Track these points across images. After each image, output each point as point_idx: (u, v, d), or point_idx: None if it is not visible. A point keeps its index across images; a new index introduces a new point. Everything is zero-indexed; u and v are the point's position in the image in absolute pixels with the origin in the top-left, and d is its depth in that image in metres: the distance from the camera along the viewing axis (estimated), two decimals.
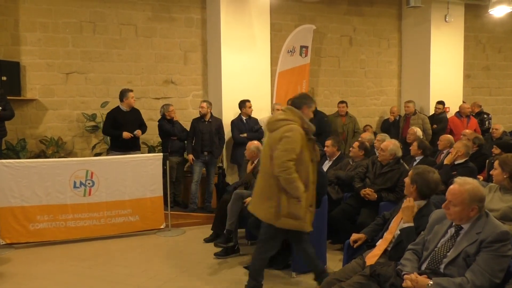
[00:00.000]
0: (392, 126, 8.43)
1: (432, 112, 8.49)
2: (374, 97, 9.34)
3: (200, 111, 6.69)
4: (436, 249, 2.53)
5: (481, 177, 5.13)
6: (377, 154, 5.33)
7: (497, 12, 7.71)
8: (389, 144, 4.84)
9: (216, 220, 5.41)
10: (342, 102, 8.13)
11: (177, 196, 6.86)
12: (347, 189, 5.20)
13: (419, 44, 8.98)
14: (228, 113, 7.25)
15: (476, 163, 5.19)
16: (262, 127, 7.08)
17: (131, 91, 6.35)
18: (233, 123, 7.01)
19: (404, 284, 2.41)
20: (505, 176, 3.50)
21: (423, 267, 2.53)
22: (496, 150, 5.39)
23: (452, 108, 8.55)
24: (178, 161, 6.77)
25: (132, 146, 6.29)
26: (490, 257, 2.30)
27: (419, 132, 6.66)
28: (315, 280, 3.72)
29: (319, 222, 4.20)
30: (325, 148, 5.65)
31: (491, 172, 3.76)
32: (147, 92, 7.68)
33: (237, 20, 7.34)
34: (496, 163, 3.60)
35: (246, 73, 7.40)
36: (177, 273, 4.44)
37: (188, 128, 6.85)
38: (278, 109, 7.19)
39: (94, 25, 7.36)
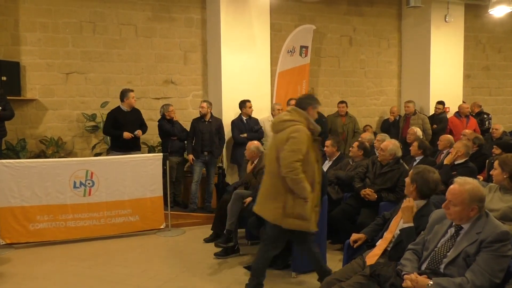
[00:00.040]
0: (392, 126, 8.43)
1: (432, 112, 8.50)
2: (374, 97, 9.34)
3: (200, 111, 6.69)
4: (436, 249, 2.53)
5: (481, 177, 5.13)
6: (377, 154, 5.33)
7: (497, 12, 7.71)
8: (389, 144, 4.85)
9: (216, 220, 5.41)
10: (342, 102, 8.13)
11: (177, 196, 6.86)
12: (347, 189, 5.20)
13: (419, 44, 8.98)
14: (228, 113, 7.24)
15: (476, 163, 5.19)
16: (262, 127, 7.09)
17: (132, 91, 6.35)
18: (233, 123, 7.01)
19: (404, 284, 2.41)
20: (505, 176, 3.50)
21: (423, 267, 2.53)
22: (496, 150, 5.39)
23: (452, 108, 8.55)
24: (178, 161, 6.77)
25: (132, 146, 6.29)
26: (490, 257, 2.30)
27: (419, 132, 6.66)
28: (319, 281, 3.72)
29: (319, 222, 4.19)
30: (325, 148, 5.66)
31: (491, 172, 3.76)
32: (147, 92, 7.68)
33: (237, 20, 7.34)
34: (496, 163, 3.60)
35: (246, 73, 7.40)
36: (177, 273, 4.44)
37: (188, 128, 6.85)
38: (278, 109, 7.20)
39: (94, 25, 7.36)
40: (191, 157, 6.63)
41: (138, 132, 6.27)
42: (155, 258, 4.95)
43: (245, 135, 6.81)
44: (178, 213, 6.40)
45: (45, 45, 7.13)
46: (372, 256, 2.90)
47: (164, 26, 7.73)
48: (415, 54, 9.11)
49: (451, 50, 8.92)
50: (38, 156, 6.92)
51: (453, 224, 2.52)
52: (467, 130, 6.88)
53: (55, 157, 6.60)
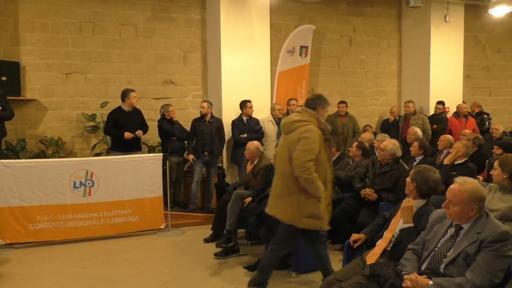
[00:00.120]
0: (392, 126, 8.43)
1: (432, 112, 8.50)
2: (374, 97, 9.34)
3: (200, 111, 6.69)
4: (436, 249, 2.53)
5: (481, 177, 5.13)
6: (377, 154, 5.33)
7: (497, 12, 7.71)
8: (388, 144, 4.85)
9: (216, 220, 5.41)
10: (342, 102, 8.13)
11: (177, 196, 6.86)
12: (347, 189, 5.20)
13: (419, 44, 8.99)
14: (228, 113, 7.24)
15: (476, 163, 5.19)
16: (262, 128, 7.09)
17: (133, 91, 6.35)
18: (233, 123, 7.01)
19: (404, 284, 2.41)
20: (505, 176, 3.50)
21: (423, 267, 2.53)
22: (497, 151, 5.38)
23: (452, 108, 8.55)
24: (178, 161, 6.77)
25: (133, 146, 6.29)
26: (490, 257, 2.30)
27: (419, 132, 6.66)
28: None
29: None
30: None
31: (491, 172, 3.76)
32: (146, 92, 7.68)
33: (237, 20, 7.34)
34: (496, 163, 3.60)
35: (246, 73, 7.40)
36: (177, 273, 4.44)
37: (187, 128, 6.85)
38: (278, 109, 7.20)
39: (93, 25, 7.36)
40: (191, 157, 6.63)
41: (139, 132, 6.27)
42: (155, 258, 4.94)
43: (245, 135, 6.81)
44: (178, 213, 6.40)
45: (44, 45, 7.13)
46: (372, 256, 2.91)
47: (164, 26, 7.73)
48: (415, 54, 9.11)
49: (451, 50, 8.92)
50: (38, 156, 6.92)
51: (453, 224, 2.52)
52: (467, 130, 6.88)
53: (55, 157, 6.60)
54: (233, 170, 7.33)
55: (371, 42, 9.18)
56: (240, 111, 7.05)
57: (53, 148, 6.90)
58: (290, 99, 7.26)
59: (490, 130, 7.78)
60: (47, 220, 5.38)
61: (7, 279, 4.32)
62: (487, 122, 8.78)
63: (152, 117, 7.36)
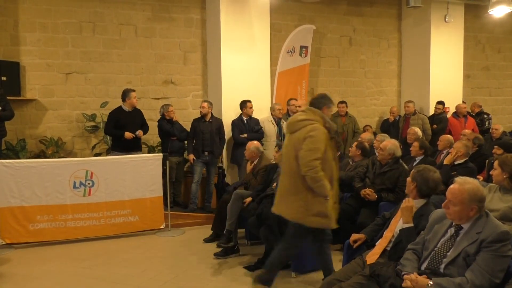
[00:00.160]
0: (392, 126, 8.43)
1: (432, 112, 8.50)
2: (374, 97, 9.34)
3: (201, 111, 6.69)
4: (436, 249, 2.53)
5: (480, 177, 5.13)
6: (377, 154, 5.34)
7: (497, 12, 7.71)
8: (388, 144, 4.86)
9: (216, 220, 5.41)
10: (342, 102, 8.13)
11: (177, 196, 6.86)
12: (347, 189, 5.20)
13: (419, 44, 8.99)
14: (228, 113, 7.24)
15: (476, 163, 5.19)
16: (262, 128, 7.09)
17: (134, 91, 6.36)
18: (233, 123, 7.01)
19: (403, 284, 2.41)
20: (505, 176, 3.50)
21: (423, 267, 2.53)
22: (498, 151, 5.37)
23: (452, 108, 8.55)
24: (178, 161, 6.77)
25: (133, 146, 6.29)
26: (490, 257, 2.30)
27: (419, 132, 6.66)
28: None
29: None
30: None
31: (490, 172, 3.76)
32: (146, 92, 7.68)
33: (237, 20, 7.34)
34: (496, 163, 3.60)
35: (246, 73, 7.40)
36: (177, 273, 4.44)
37: (187, 128, 6.85)
38: (278, 109, 7.20)
39: (93, 25, 7.36)
40: (191, 157, 6.63)
41: (139, 132, 6.27)
42: (155, 258, 4.94)
43: (245, 135, 6.80)
44: (178, 213, 6.40)
45: (44, 45, 7.13)
46: (372, 255, 2.91)
47: (164, 26, 7.73)
48: (415, 54, 9.11)
49: (451, 50, 8.92)
50: (38, 156, 6.92)
51: (453, 224, 2.52)
52: (467, 130, 6.88)
53: (55, 157, 6.60)
54: (233, 170, 7.33)
55: (371, 42, 9.18)
56: (240, 111, 7.05)
57: (53, 148, 6.90)
58: (290, 99, 7.27)
59: (490, 130, 7.78)
60: (47, 220, 5.38)
61: (7, 279, 4.32)
62: (487, 122, 8.78)
63: (152, 117, 7.36)
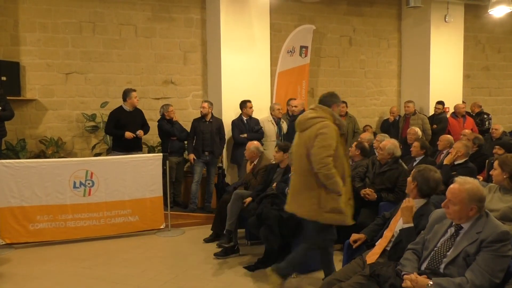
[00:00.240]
0: (391, 126, 8.43)
1: (431, 112, 8.50)
2: (374, 97, 9.34)
3: (201, 111, 6.70)
4: (436, 248, 2.53)
5: (480, 177, 5.13)
6: (377, 154, 5.34)
7: (497, 12, 7.71)
8: (387, 143, 4.86)
9: (216, 220, 5.41)
10: (342, 102, 8.11)
11: (177, 196, 6.86)
12: None
13: (419, 44, 8.99)
14: (228, 113, 7.25)
15: (476, 163, 5.20)
16: (262, 128, 7.09)
17: (134, 90, 6.36)
18: (233, 123, 7.01)
19: (403, 284, 2.41)
20: (505, 177, 3.50)
21: (423, 266, 2.54)
22: (499, 151, 5.37)
23: (451, 108, 8.56)
24: (178, 161, 6.77)
25: (134, 146, 6.28)
26: (490, 257, 2.30)
27: (419, 132, 6.67)
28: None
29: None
30: None
31: (490, 172, 3.76)
32: (146, 92, 7.68)
33: (237, 20, 7.34)
34: (495, 163, 3.60)
35: (246, 73, 7.40)
36: (177, 273, 4.44)
37: (187, 128, 6.85)
38: (278, 109, 7.21)
39: (93, 25, 7.36)
40: (192, 156, 6.63)
41: (140, 132, 6.27)
42: (155, 258, 4.94)
43: (245, 135, 6.81)
44: (178, 213, 6.40)
45: (44, 45, 7.13)
46: (372, 255, 2.91)
47: (164, 26, 7.73)
48: (415, 54, 9.11)
49: (450, 50, 8.93)
50: (38, 156, 6.91)
51: (453, 223, 2.52)
52: (467, 130, 6.89)
53: (55, 157, 6.60)
54: (233, 170, 7.33)
55: (371, 42, 9.18)
56: (240, 111, 7.05)
57: (53, 148, 6.90)
58: (290, 99, 7.27)
59: (490, 130, 7.79)
60: (47, 220, 5.38)
61: (7, 279, 4.32)
62: (487, 122, 8.78)
63: (152, 117, 7.36)
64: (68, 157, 7.00)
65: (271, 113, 7.28)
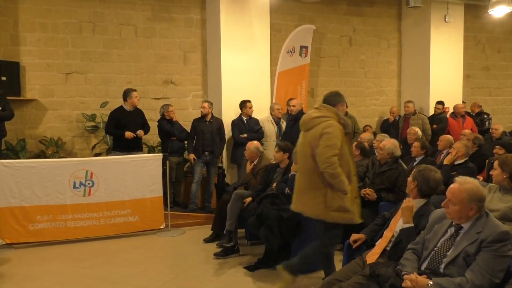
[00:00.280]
0: (391, 126, 8.43)
1: (431, 112, 8.50)
2: (374, 97, 9.34)
3: (201, 111, 6.70)
4: (436, 248, 2.53)
5: (480, 177, 5.13)
6: (377, 154, 5.34)
7: (497, 12, 7.71)
8: (387, 143, 4.86)
9: (216, 220, 5.41)
10: None
11: (177, 196, 6.86)
12: None
13: (418, 44, 8.99)
14: (228, 113, 7.25)
15: (476, 163, 5.19)
16: (262, 128, 7.09)
17: (135, 90, 6.36)
18: (233, 123, 7.01)
19: (403, 284, 2.41)
20: (505, 177, 3.50)
21: (423, 266, 2.53)
22: (500, 150, 5.37)
23: (452, 108, 8.56)
24: (178, 161, 6.77)
25: (134, 146, 6.28)
26: (490, 257, 2.30)
27: (419, 132, 6.67)
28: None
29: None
30: None
31: (490, 172, 3.76)
32: (146, 92, 7.68)
33: (237, 20, 7.34)
34: (495, 163, 3.60)
35: (246, 73, 7.40)
36: (177, 273, 4.44)
37: (187, 128, 6.85)
38: (277, 109, 7.21)
39: (93, 25, 7.36)
40: (192, 156, 6.63)
41: (140, 132, 6.27)
42: (155, 258, 4.94)
43: (245, 135, 6.81)
44: (178, 213, 6.40)
45: (44, 45, 7.13)
46: (372, 255, 2.91)
47: (164, 26, 7.73)
48: (415, 54, 9.11)
49: (450, 50, 8.93)
50: (38, 156, 6.91)
51: (453, 223, 2.53)
52: (467, 130, 6.89)
53: (55, 157, 6.60)
54: (233, 170, 7.33)
55: (371, 42, 9.18)
56: (240, 111, 7.05)
57: (53, 148, 6.90)
58: (290, 99, 7.26)
59: (490, 130, 7.79)
60: (47, 220, 5.38)
61: (7, 279, 4.32)
62: (487, 122, 8.78)
63: (152, 117, 7.36)
64: (68, 157, 7.00)
65: (271, 113, 7.29)
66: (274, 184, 4.87)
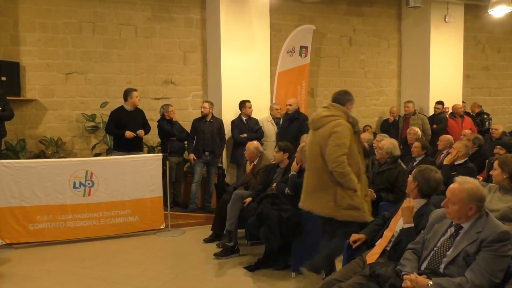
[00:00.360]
0: (391, 127, 8.43)
1: (431, 112, 8.50)
2: (374, 97, 9.34)
3: (202, 111, 6.70)
4: (435, 248, 2.53)
5: (480, 177, 5.13)
6: (376, 154, 5.34)
7: (497, 12, 7.71)
8: (386, 143, 4.86)
9: (216, 220, 5.41)
10: None
11: (177, 196, 6.86)
12: None
13: (418, 44, 8.99)
14: (228, 113, 7.25)
15: (476, 163, 5.19)
16: (262, 128, 7.09)
17: (136, 90, 6.36)
18: (233, 123, 7.01)
19: (403, 285, 2.41)
20: (504, 177, 3.50)
21: (423, 266, 2.53)
22: (501, 151, 5.36)
23: (450, 109, 8.56)
24: (178, 161, 6.77)
25: (135, 146, 6.28)
26: (490, 257, 2.30)
27: (419, 132, 6.67)
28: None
29: (319, 222, 4.20)
30: None
31: (490, 173, 3.76)
32: (146, 92, 7.67)
33: (237, 20, 7.34)
34: (495, 164, 3.60)
35: (246, 73, 7.40)
36: (177, 273, 4.44)
37: (187, 129, 6.85)
38: (276, 109, 7.21)
39: (93, 26, 7.36)
40: (192, 156, 6.63)
41: (141, 131, 6.27)
42: (155, 258, 4.95)
43: (245, 135, 6.81)
44: (177, 213, 6.40)
45: (44, 46, 7.12)
46: (372, 255, 2.91)
47: (164, 26, 7.73)
48: (415, 54, 9.11)
49: (450, 50, 8.93)
50: (37, 156, 6.91)
51: (453, 223, 2.52)
52: (467, 131, 6.89)
53: (55, 158, 6.60)
54: (233, 170, 7.33)
55: (371, 42, 9.18)
56: (239, 111, 7.05)
57: (53, 148, 6.90)
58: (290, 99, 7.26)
59: (490, 130, 7.79)
60: (47, 220, 5.38)
61: (7, 279, 4.32)
62: (487, 122, 8.78)
63: (152, 117, 7.36)
64: (68, 157, 7.00)
65: (270, 113, 7.29)
66: (274, 184, 4.87)
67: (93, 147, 7.31)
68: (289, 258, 4.41)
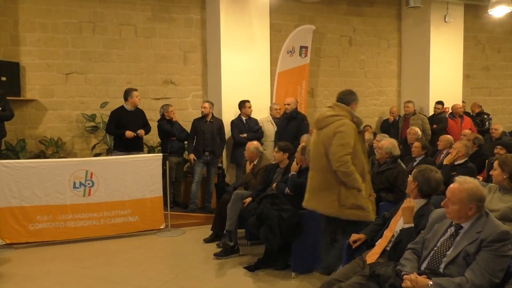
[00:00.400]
0: (391, 127, 8.43)
1: (431, 112, 8.50)
2: (374, 97, 9.34)
3: (202, 111, 6.70)
4: (435, 248, 2.53)
5: (480, 178, 5.13)
6: (376, 154, 5.34)
7: (497, 12, 7.71)
8: (385, 143, 4.86)
9: (216, 220, 5.42)
10: None
11: (177, 196, 6.87)
12: None
13: (418, 45, 8.99)
14: (228, 113, 7.25)
15: (476, 163, 5.19)
16: (262, 128, 7.09)
17: (136, 90, 6.36)
18: (233, 123, 7.01)
19: (403, 285, 2.41)
20: (505, 177, 3.50)
21: (423, 266, 2.53)
22: (501, 151, 5.36)
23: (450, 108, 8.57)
24: (178, 161, 6.77)
25: (135, 146, 6.28)
26: (490, 257, 2.30)
27: (419, 132, 6.67)
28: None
29: (319, 222, 4.20)
30: None
31: (490, 173, 3.76)
32: (146, 92, 7.67)
33: (237, 20, 7.35)
34: (495, 164, 3.60)
35: (246, 73, 7.40)
36: (177, 273, 4.44)
37: (187, 129, 6.85)
38: (276, 109, 7.21)
39: (93, 26, 7.36)
40: (192, 156, 6.63)
41: (141, 131, 6.27)
42: (155, 258, 4.95)
43: (245, 135, 6.81)
44: (177, 213, 6.40)
45: (44, 46, 7.12)
46: (372, 255, 2.91)
47: (164, 26, 7.73)
48: (414, 54, 9.12)
49: (450, 50, 8.93)
50: (37, 156, 6.91)
51: (453, 223, 2.53)
52: (467, 131, 6.89)
53: (55, 158, 6.60)
54: (233, 170, 7.33)
55: (371, 42, 9.18)
56: (239, 111, 7.05)
57: (53, 148, 6.90)
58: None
59: (490, 130, 7.79)
60: (47, 220, 5.38)
61: (7, 279, 4.32)
62: (487, 122, 8.78)
63: (152, 117, 7.36)
64: (68, 157, 7.00)
65: (270, 113, 7.29)
66: (274, 184, 4.87)
67: (93, 147, 7.31)
68: (289, 258, 4.41)
